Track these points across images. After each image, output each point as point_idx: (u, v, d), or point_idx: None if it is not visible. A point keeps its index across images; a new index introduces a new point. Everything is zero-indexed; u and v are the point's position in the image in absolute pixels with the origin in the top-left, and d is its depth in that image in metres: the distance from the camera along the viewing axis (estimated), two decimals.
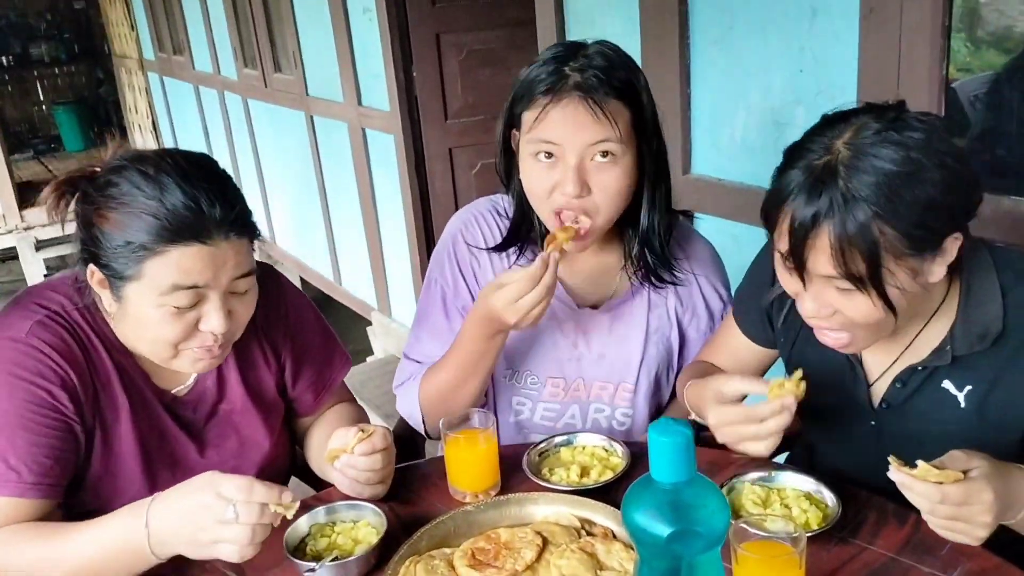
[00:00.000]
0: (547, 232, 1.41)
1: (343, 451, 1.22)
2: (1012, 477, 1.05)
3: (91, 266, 1.21)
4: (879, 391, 1.27)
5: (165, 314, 1.19)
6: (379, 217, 4.23)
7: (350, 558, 1.13)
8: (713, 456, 1.36)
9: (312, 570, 1.11)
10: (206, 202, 1.17)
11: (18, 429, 1.19)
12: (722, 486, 1.19)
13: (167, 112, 7.29)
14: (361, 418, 1.58)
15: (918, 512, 1.16)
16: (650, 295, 1.54)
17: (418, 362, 1.58)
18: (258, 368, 1.44)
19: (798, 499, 1.19)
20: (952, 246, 1.08)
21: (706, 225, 2.38)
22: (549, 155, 1.32)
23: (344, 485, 1.27)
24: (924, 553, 1.10)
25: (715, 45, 2.18)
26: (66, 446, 1.23)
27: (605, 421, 1.59)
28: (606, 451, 1.37)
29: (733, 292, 1.52)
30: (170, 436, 1.34)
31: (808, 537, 1.08)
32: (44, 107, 12.35)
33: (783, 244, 1.09)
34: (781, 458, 1.62)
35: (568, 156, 1.31)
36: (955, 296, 1.17)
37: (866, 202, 1.02)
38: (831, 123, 1.10)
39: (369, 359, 4.59)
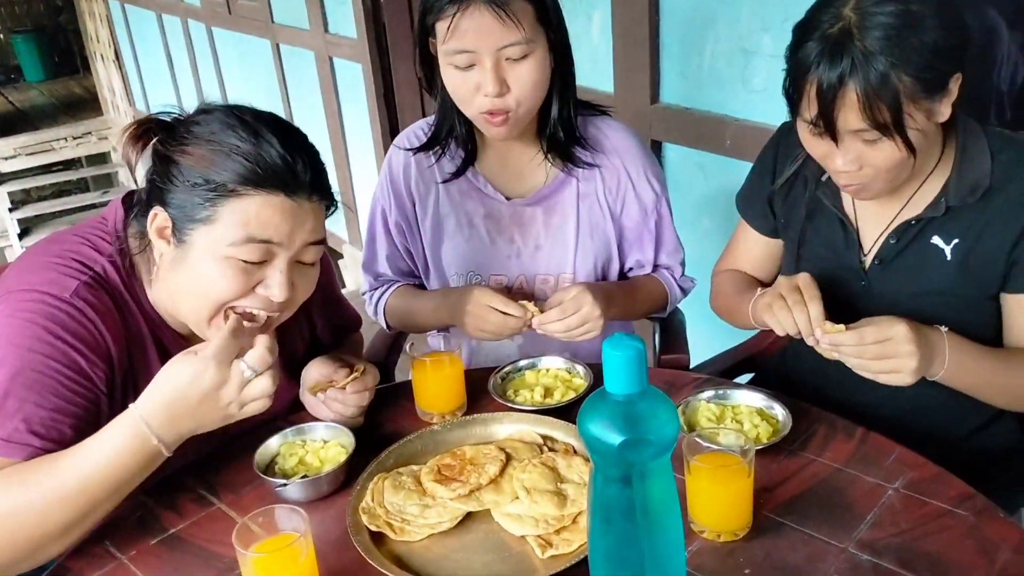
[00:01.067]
0: (468, 131, 1.53)
1: (330, 385, 1.25)
2: (928, 332, 1.21)
3: (156, 207, 1.15)
4: (872, 253, 1.37)
5: (228, 267, 1.13)
6: (348, 148, 4.20)
7: (319, 475, 1.17)
8: (671, 376, 1.41)
9: (283, 486, 1.14)
10: (301, 164, 1.14)
11: (48, 393, 1.12)
12: (679, 404, 1.24)
13: (129, 41, 7.09)
14: (356, 342, 1.63)
15: (865, 425, 1.23)
16: (579, 185, 1.59)
17: (375, 273, 1.73)
18: (292, 335, 1.42)
19: (750, 415, 1.24)
20: (954, 86, 1.17)
21: (673, 154, 2.41)
22: (468, 64, 1.37)
23: (323, 414, 1.31)
24: (869, 464, 1.16)
25: None
26: (91, 416, 1.16)
27: None
28: (569, 373, 1.41)
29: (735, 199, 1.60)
30: None
31: (759, 450, 1.14)
32: (2, 36, 11.97)
33: (812, 110, 1.18)
34: (743, 379, 1.68)
35: (484, 60, 1.36)
36: (950, 156, 1.29)
37: (882, 55, 1.12)
38: None
39: (343, 291, 4.60)
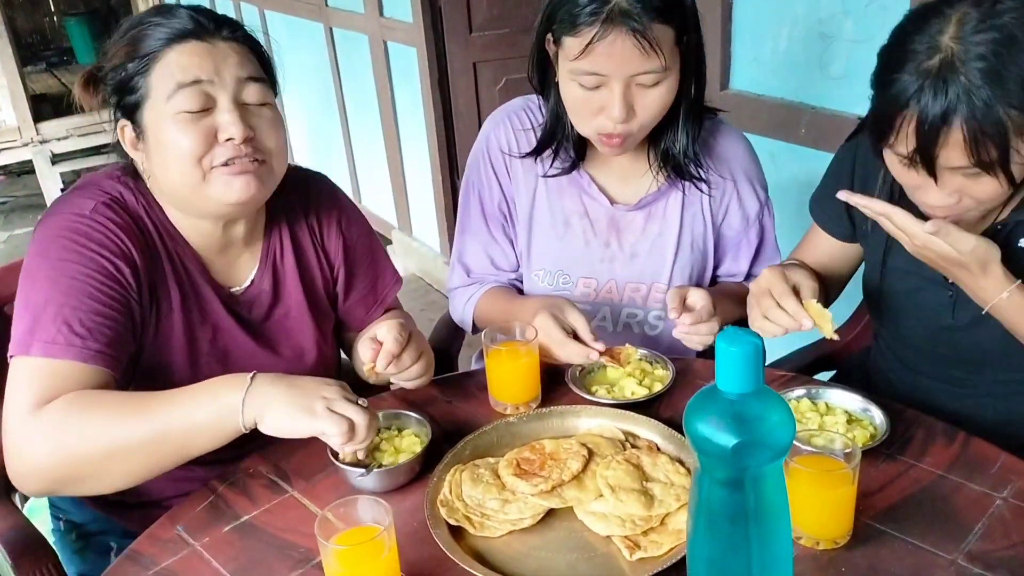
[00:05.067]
0: (576, 134, 1.43)
1: (371, 365, 1.23)
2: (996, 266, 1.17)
3: (121, 121, 1.23)
4: None
5: (178, 123, 1.18)
6: (400, 133, 4.16)
7: (398, 465, 1.13)
8: None
9: (364, 475, 1.11)
10: (204, 15, 1.21)
11: (83, 296, 1.16)
12: None
13: None
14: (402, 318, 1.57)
15: (966, 430, 1.16)
16: (685, 192, 1.52)
17: (467, 267, 1.62)
18: (314, 275, 1.43)
19: (845, 416, 1.18)
20: None
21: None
22: (595, 85, 1.30)
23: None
24: (973, 471, 1.09)
25: None
26: (127, 321, 1.20)
27: (637, 327, 1.59)
28: (650, 364, 1.35)
29: (808, 201, 1.51)
30: (223, 332, 1.32)
31: None
32: (55, 18, 12.15)
33: (908, 146, 1.10)
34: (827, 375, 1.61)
35: (614, 84, 1.29)
36: None
37: (988, 89, 1.02)
38: (924, 17, 1.08)
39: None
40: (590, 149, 1.50)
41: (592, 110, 1.33)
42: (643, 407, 1.25)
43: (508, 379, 1.28)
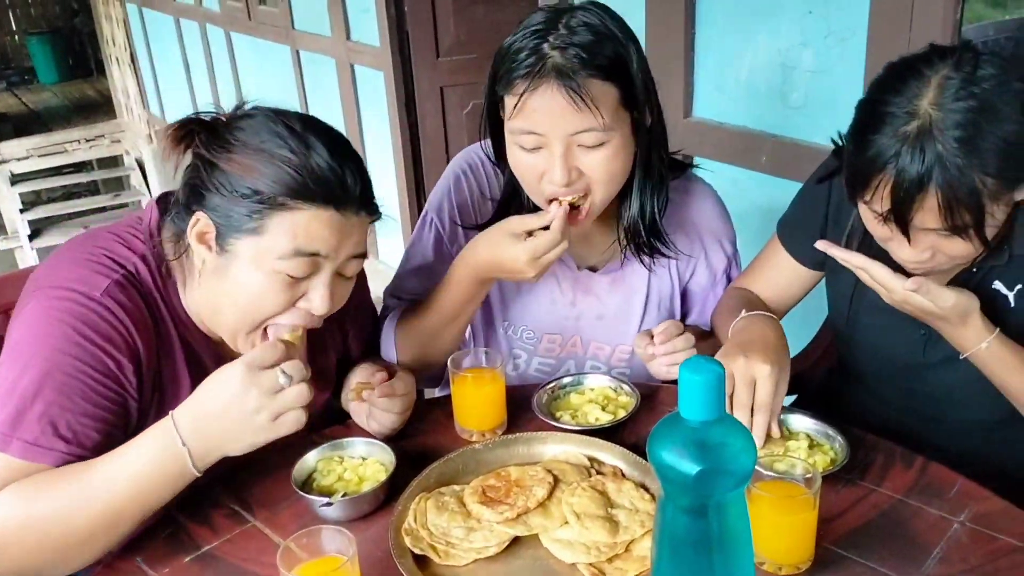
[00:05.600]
0: (536, 207, 1.35)
1: (368, 386, 1.22)
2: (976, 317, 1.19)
3: (199, 213, 1.12)
4: None
5: (275, 281, 1.11)
6: (367, 156, 4.15)
7: (361, 493, 1.12)
8: None
9: (328, 504, 1.10)
10: (350, 175, 1.12)
11: (76, 396, 1.08)
12: None
13: (146, 45, 7.08)
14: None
15: (925, 455, 1.18)
16: (651, 261, 1.48)
17: (399, 298, 1.52)
18: (327, 347, 1.38)
19: (806, 441, 1.19)
20: None
21: (706, 170, 2.37)
22: (535, 146, 1.25)
23: (362, 419, 1.28)
24: (932, 495, 1.11)
25: None
26: (118, 422, 1.12)
27: None
28: (614, 391, 1.36)
29: (777, 223, 1.50)
30: None
31: None
32: (17, 37, 12.00)
33: (883, 206, 1.11)
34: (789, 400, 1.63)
35: (553, 145, 1.23)
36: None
37: (964, 158, 1.04)
38: (903, 78, 1.09)
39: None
40: None
41: (536, 175, 1.27)
42: (608, 433, 1.25)
43: (474, 405, 1.28)
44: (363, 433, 1.28)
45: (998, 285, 1.24)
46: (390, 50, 3.62)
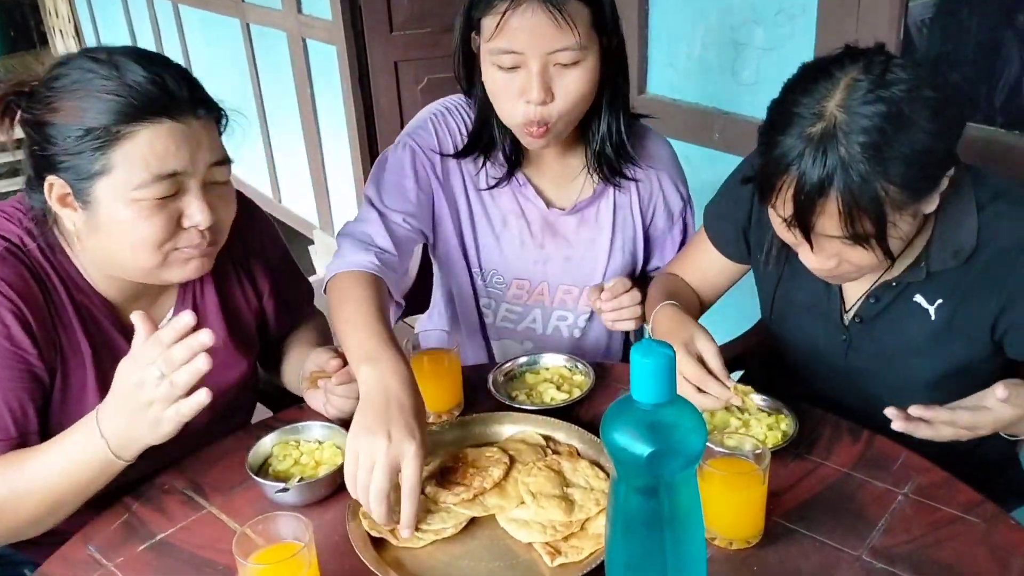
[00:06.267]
0: (506, 138, 1.42)
1: (324, 375, 1.21)
2: None
3: (49, 177, 1.10)
4: (853, 310, 1.30)
5: (143, 209, 1.09)
6: (320, 132, 4.11)
7: (317, 478, 1.12)
8: None
9: (284, 490, 1.10)
10: (171, 80, 1.09)
11: None
12: None
13: (90, 16, 6.89)
14: (321, 325, 1.56)
15: (872, 429, 1.21)
16: (615, 196, 1.55)
17: (379, 213, 1.42)
18: (237, 303, 1.37)
19: (759, 416, 1.22)
20: (945, 179, 1.09)
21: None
22: (513, 65, 1.29)
23: (318, 405, 1.27)
24: (877, 468, 1.15)
25: None
26: (31, 395, 1.14)
27: (566, 330, 1.61)
28: (569, 371, 1.37)
29: (703, 208, 1.51)
30: None
31: None
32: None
33: (786, 210, 1.09)
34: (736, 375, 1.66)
35: (531, 63, 1.28)
36: (931, 219, 1.18)
37: (867, 164, 1.01)
38: (814, 78, 1.07)
39: (312, 278, 4.51)
40: (525, 154, 1.50)
41: (512, 95, 1.31)
42: (563, 412, 1.26)
43: (431, 387, 1.28)
44: (319, 416, 1.28)
45: (919, 299, 1.23)
46: (342, 23, 3.55)
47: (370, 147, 3.82)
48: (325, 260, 4.38)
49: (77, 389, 1.20)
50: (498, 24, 1.26)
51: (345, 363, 1.25)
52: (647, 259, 1.64)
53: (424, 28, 3.65)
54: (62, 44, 7.92)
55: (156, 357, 1.00)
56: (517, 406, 1.27)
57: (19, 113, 1.12)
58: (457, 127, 1.48)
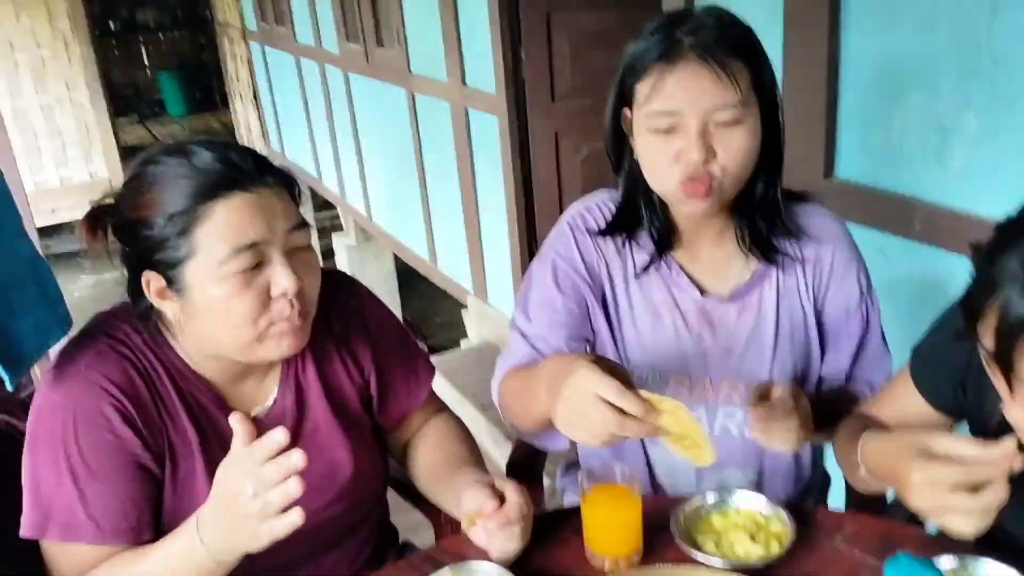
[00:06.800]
0: (657, 217, 1.36)
1: (481, 515, 1.13)
2: None
3: (145, 274, 1.15)
4: None
5: (232, 287, 1.12)
6: (479, 200, 4.12)
7: None
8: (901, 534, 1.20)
9: None
10: (235, 155, 1.14)
11: (88, 479, 1.14)
12: None
13: (267, 82, 7.32)
14: (462, 434, 1.48)
15: None
16: (779, 279, 1.41)
17: (523, 335, 1.41)
18: (340, 381, 1.35)
19: None
20: None
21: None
22: (670, 128, 1.23)
23: (482, 542, 1.18)
24: None
25: (871, 38, 1.97)
26: (142, 487, 1.18)
27: (736, 429, 1.45)
28: (765, 517, 1.22)
29: (915, 344, 1.28)
30: None
31: None
32: (149, 72, 12.68)
33: (988, 342, 0.92)
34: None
35: (689, 123, 1.21)
36: None
37: None
38: None
39: (463, 344, 4.51)
40: (677, 237, 1.40)
41: (668, 159, 1.24)
42: (760, 572, 1.11)
43: (607, 529, 1.16)
44: (478, 553, 1.18)
45: None
46: (505, 95, 3.56)
47: (527, 216, 3.79)
48: (478, 327, 4.37)
49: (186, 476, 1.21)
50: (654, 86, 1.22)
51: (503, 502, 1.16)
52: (822, 353, 1.46)
53: (586, 99, 3.61)
54: (241, 107, 8.47)
55: (250, 471, 0.99)
56: (706, 561, 1.13)
57: (110, 225, 1.18)
58: (596, 224, 1.42)
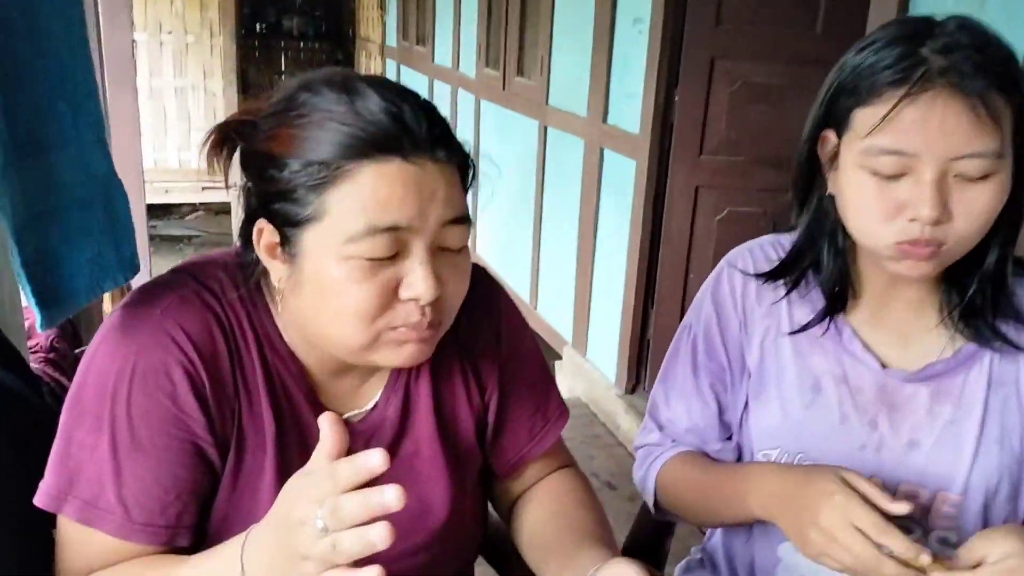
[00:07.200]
0: (841, 266, 1.11)
1: None
2: None
3: (259, 222, 0.91)
4: None
5: (353, 272, 0.87)
6: (596, 246, 3.86)
7: None
8: None
9: None
10: (409, 112, 0.87)
11: (130, 452, 0.90)
12: None
13: None
14: (589, 500, 1.17)
15: None
16: (992, 366, 1.09)
17: (660, 426, 1.27)
18: (456, 401, 1.08)
19: None
20: None
21: None
22: (897, 171, 0.97)
23: None
24: None
25: None
26: (193, 477, 0.93)
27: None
28: None
29: None
30: None
31: None
32: (283, 77, 13.05)
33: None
34: None
35: (924, 169, 0.95)
36: None
37: None
38: None
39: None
40: (855, 295, 1.14)
41: (887, 209, 0.99)
42: None
43: None
44: None
45: None
46: (649, 139, 3.31)
47: (648, 272, 3.49)
48: (572, 380, 4.08)
49: (251, 474, 0.96)
50: (886, 115, 0.96)
51: None
52: None
53: (736, 156, 3.32)
54: None
55: (326, 495, 0.71)
56: None
57: (239, 149, 0.95)
58: (755, 262, 1.21)
